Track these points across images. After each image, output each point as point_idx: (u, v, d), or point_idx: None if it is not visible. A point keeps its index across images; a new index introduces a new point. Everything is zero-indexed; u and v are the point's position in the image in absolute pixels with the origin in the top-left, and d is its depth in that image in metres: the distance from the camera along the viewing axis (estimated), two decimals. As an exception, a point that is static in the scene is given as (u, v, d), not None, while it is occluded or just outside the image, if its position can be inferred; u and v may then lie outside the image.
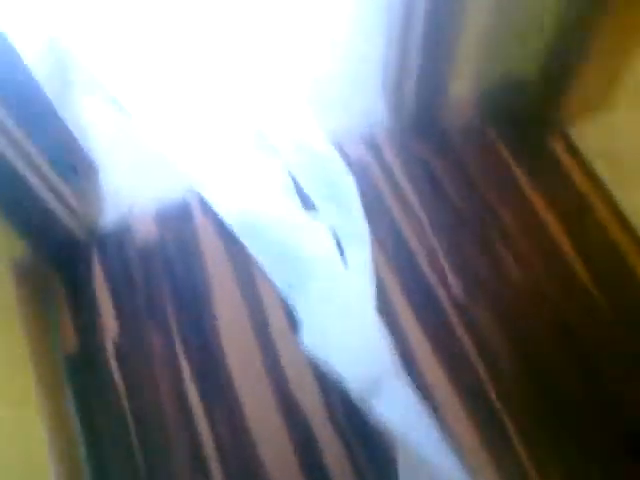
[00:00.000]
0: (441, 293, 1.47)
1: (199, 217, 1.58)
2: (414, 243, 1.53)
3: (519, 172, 1.62)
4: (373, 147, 1.66)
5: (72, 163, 1.52)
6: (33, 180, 1.25)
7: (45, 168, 1.31)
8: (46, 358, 1.40)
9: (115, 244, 1.55)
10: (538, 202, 1.58)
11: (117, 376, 1.40)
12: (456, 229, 1.56)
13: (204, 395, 1.37)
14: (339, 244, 1.51)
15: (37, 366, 1.34)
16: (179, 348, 1.43)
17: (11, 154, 1.16)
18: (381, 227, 1.55)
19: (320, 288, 1.46)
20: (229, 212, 1.56)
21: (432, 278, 1.49)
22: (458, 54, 1.47)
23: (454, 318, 1.43)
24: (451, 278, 1.48)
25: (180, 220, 1.58)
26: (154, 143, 1.68)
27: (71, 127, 1.48)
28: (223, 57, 1.83)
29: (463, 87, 1.58)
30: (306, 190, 1.59)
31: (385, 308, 1.44)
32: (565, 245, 1.52)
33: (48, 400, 1.32)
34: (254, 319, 1.45)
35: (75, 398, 1.39)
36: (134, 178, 1.64)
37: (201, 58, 1.83)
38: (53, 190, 1.35)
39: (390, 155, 1.64)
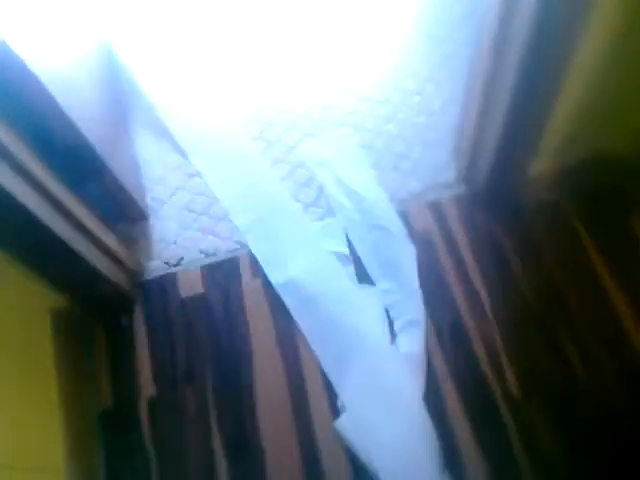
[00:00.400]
0: (494, 385, 1.34)
1: (248, 277, 1.51)
2: (471, 327, 1.41)
3: (595, 254, 1.46)
4: (439, 217, 1.54)
5: (120, 209, 1.47)
6: (72, 236, 1.18)
7: (88, 220, 1.24)
8: (78, 411, 1.37)
9: (159, 297, 1.50)
10: (613, 290, 1.42)
11: (148, 437, 1.36)
12: (518, 315, 1.42)
13: (233, 467, 1.31)
14: (392, 325, 1.41)
15: (68, 418, 1.31)
16: (213, 417, 1.36)
17: (46, 212, 1.07)
18: (438, 306, 1.43)
19: (366, 370, 1.35)
20: (279, 275, 1.48)
21: (486, 367, 1.36)
22: (545, 130, 1.33)
23: (505, 413, 1.30)
24: (507, 369, 1.35)
25: (228, 278, 1.51)
26: (210, 190, 1.63)
27: (120, 170, 1.42)
28: (288, 107, 1.76)
29: (544, 162, 1.43)
30: (363, 259, 1.49)
31: (433, 394, 1.33)
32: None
33: (75, 454, 1.30)
34: (293, 394, 1.37)
35: (104, 455, 1.35)
36: (185, 228, 1.59)
37: (261, 104, 1.76)
38: (96, 242, 1.29)
39: (456, 227, 1.52)
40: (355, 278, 1.48)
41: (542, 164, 1.45)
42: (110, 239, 1.36)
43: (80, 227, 1.17)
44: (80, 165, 1.23)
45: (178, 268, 1.54)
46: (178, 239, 1.57)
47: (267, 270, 1.49)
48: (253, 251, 1.53)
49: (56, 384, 1.34)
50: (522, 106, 1.27)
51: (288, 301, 1.45)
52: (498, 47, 1.22)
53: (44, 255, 1.13)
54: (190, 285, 1.51)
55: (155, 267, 1.54)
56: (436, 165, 1.61)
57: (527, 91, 1.23)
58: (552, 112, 1.29)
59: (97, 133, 1.29)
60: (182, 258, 1.55)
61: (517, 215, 1.51)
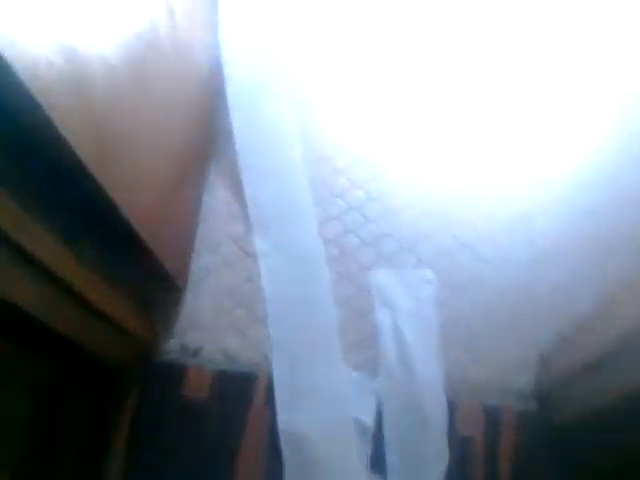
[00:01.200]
0: None
1: (259, 404, 1.33)
2: None
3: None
4: (491, 428, 1.28)
5: (151, 276, 1.30)
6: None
7: (79, 277, 0.99)
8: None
9: (160, 386, 1.35)
10: None
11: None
12: None
13: None
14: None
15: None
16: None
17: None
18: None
19: None
20: (288, 419, 1.29)
21: None
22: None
23: None
24: None
25: (237, 396, 1.33)
26: (260, 280, 1.44)
27: (160, 240, 1.19)
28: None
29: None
30: (386, 444, 1.27)
31: None
32: None
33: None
34: None
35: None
36: (217, 316, 1.42)
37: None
38: (90, 309, 1.07)
39: (507, 452, 1.26)
40: (368, 460, 1.27)
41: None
42: (119, 307, 1.18)
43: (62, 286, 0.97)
44: (101, 229, 1.04)
45: (193, 359, 1.38)
46: (205, 325, 1.41)
47: (278, 405, 1.31)
48: (274, 375, 1.34)
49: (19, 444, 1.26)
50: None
51: (286, 453, 1.27)
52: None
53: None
54: (196, 385, 1.35)
55: (170, 348, 1.39)
56: (514, 363, 1.33)
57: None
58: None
59: (141, 200, 1.07)
60: (201, 348, 1.39)
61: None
